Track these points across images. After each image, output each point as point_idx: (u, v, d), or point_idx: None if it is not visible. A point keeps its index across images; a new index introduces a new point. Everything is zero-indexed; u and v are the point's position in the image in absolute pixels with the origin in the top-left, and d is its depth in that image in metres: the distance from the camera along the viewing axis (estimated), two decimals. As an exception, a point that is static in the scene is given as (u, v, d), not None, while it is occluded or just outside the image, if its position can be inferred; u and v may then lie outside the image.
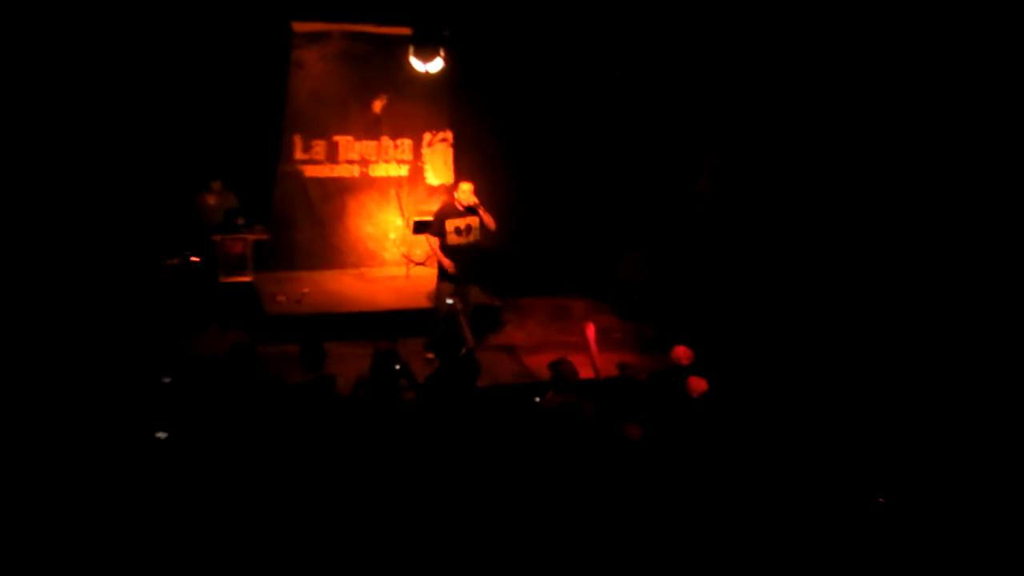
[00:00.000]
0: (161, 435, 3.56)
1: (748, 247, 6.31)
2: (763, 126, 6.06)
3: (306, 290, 6.55)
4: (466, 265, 5.61)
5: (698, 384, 4.23)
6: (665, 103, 6.98)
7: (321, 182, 7.17)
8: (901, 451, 4.06)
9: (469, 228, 5.58)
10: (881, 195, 5.05)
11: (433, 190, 7.50)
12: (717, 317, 6.18)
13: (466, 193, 5.54)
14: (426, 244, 6.67)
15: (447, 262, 5.35)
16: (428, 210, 7.05)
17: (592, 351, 4.81)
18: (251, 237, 6.46)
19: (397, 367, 4.04)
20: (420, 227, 6.86)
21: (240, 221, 6.45)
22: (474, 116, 7.32)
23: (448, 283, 5.64)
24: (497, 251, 6.15)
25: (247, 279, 6.43)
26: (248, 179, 6.73)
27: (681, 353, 4.57)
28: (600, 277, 7.28)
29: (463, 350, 4.60)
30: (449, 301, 5.60)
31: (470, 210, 5.57)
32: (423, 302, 6.38)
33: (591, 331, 4.88)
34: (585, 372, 4.38)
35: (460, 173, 7.24)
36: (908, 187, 4.86)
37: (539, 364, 5.54)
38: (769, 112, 5.98)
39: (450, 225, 5.56)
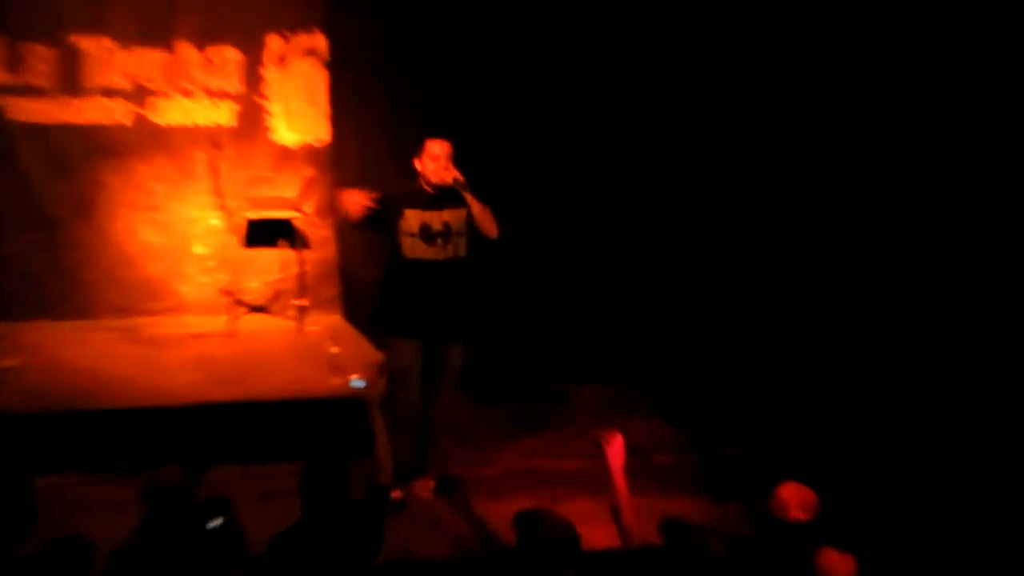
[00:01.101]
0: None
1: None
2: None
3: (13, 363, 6.65)
4: (439, 302, 5.66)
5: (837, 564, 4.14)
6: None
7: (49, 134, 7.29)
8: None
9: (448, 229, 5.59)
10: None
11: (288, 155, 7.65)
12: (857, 419, 6.52)
13: (440, 160, 5.59)
14: (272, 267, 7.10)
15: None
16: (277, 197, 7.44)
17: (617, 487, 4.71)
18: None
19: (217, 522, 4.07)
20: (260, 232, 7.14)
21: None
22: (373, 9, 7.32)
23: (405, 339, 5.68)
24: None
25: None
26: None
27: (795, 498, 4.48)
28: (628, 345, 7.56)
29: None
30: (356, 381, 5.85)
31: (449, 194, 5.55)
32: (270, 386, 6.44)
33: (617, 447, 4.79)
34: (601, 533, 4.46)
35: (343, 121, 7.44)
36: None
37: (510, 516, 5.50)
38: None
39: (413, 220, 5.58)
